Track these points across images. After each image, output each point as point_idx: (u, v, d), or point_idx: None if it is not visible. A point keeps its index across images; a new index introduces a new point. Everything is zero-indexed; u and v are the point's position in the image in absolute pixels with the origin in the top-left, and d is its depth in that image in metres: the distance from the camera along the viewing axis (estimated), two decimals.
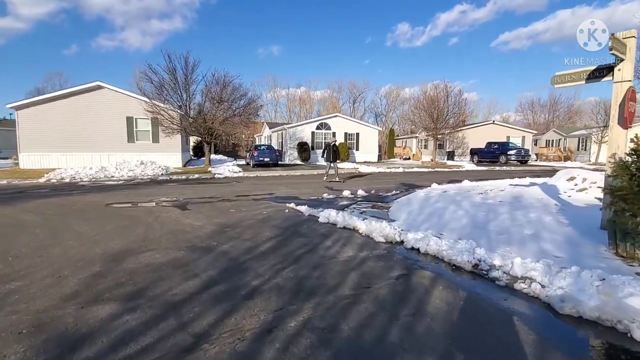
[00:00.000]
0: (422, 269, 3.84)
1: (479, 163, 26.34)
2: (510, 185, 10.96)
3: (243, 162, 26.03)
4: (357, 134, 28.04)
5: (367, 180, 14.09)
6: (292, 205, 7.83)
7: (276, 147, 29.85)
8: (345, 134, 27.67)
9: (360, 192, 9.96)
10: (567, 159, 33.80)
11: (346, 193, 9.78)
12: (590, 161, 29.84)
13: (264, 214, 6.99)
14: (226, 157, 32.56)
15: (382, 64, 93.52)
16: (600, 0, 72.36)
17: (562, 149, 36.50)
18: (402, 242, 4.88)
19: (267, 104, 65.09)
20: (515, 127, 35.94)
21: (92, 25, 75.24)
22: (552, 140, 40.73)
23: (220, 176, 15.70)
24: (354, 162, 26.51)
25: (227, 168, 18.33)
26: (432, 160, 25.52)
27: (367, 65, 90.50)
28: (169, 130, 17.70)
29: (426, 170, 19.83)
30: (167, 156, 19.58)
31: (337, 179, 13.16)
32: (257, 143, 29.07)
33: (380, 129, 31.38)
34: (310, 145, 26.16)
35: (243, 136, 48.55)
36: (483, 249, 4.09)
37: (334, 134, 27.31)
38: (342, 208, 7.57)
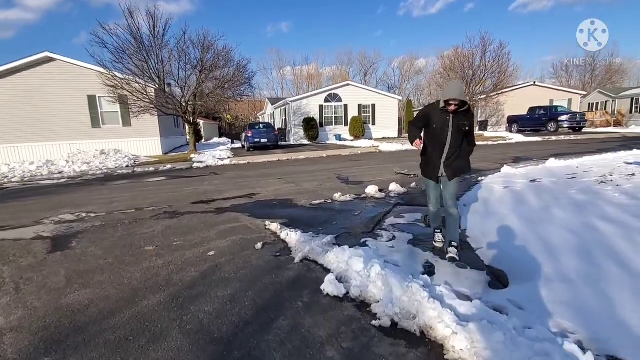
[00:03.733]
0: None
1: (520, 133, 21.84)
2: (627, 163, 6.89)
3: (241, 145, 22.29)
4: (373, 106, 23.78)
5: (396, 164, 10.18)
6: (274, 226, 4.14)
7: (279, 126, 25.99)
8: (359, 106, 23.46)
9: (394, 187, 6.14)
10: (617, 123, 28.69)
11: (371, 190, 5.98)
12: None
13: (208, 258, 3.31)
14: (229, 141, 28.95)
15: (396, 35, 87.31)
16: None
17: (610, 113, 31.25)
18: None
19: (272, 81, 60.79)
20: (561, 88, 30.73)
21: (97, 12, 70.92)
22: (597, 104, 35.27)
23: (201, 165, 12.07)
24: (370, 138, 22.45)
25: (213, 154, 14.69)
26: None
27: (380, 36, 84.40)
28: (136, 109, 13.99)
29: None
30: (142, 143, 16.03)
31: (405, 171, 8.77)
32: (253, 122, 25.24)
33: (400, 98, 26.88)
34: (318, 121, 22.17)
35: (251, 118, 44.77)
36: None
37: (345, 107, 23.15)
38: (374, 232, 3.82)
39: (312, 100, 22.61)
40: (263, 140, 16.62)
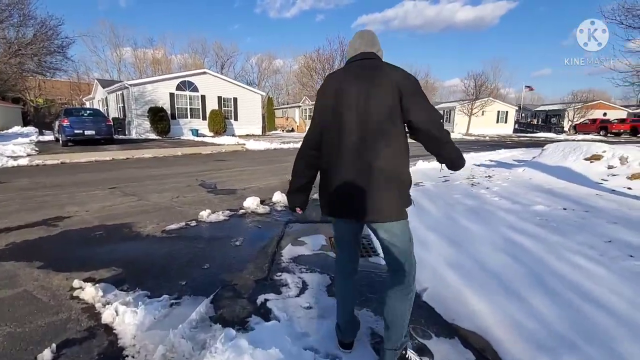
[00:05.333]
0: None
1: None
2: (475, 165, 7.81)
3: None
4: (235, 100, 21.88)
5: (271, 165, 8.98)
6: (91, 292, 2.25)
7: (115, 115, 20.88)
8: (219, 98, 21.13)
9: (279, 197, 4.91)
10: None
11: (251, 203, 4.57)
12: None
13: None
14: (36, 131, 21.26)
15: (252, 32, 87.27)
16: None
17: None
18: None
19: (104, 61, 49.75)
20: None
21: None
22: None
23: None
24: (233, 135, 20.58)
25: (2, 149, 10.00)
26: None
27: (236, 30, 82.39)
28: None
29: None
30: None
31: None
32: (72, 107, 19.33)
33: (263, 93, 25.78)
34: (169, 112, 18.71)
35: (75, 103, 34.86)
36: None
37: (203, 98, 20.42)
38: (272, 278, 2.44)
39: (160, 87, 18.94)
40: (88, 132, 12.51)
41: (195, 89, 20.16)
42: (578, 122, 32.65)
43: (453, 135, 13.63)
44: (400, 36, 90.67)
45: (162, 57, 53.32)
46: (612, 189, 4.80)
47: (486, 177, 6.40)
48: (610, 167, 5.42)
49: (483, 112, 30.63)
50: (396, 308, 1.51)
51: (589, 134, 29.86)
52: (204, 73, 20.83)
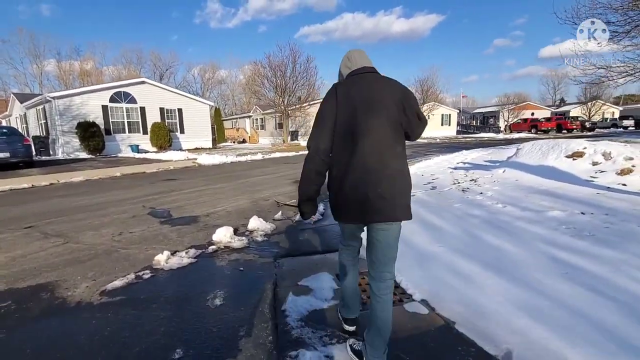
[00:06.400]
0: None
1: None
2: (451, 168, 7.53)
3: None
4: (180, 111, 20.09)
5: (234, 182, 7.90)
6: None
7: (36, 133, 18.02)
8: (162, 110, 19.23)
9: (256, 223, 3.98)
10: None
11: (223, 235, 3.58)
12: None
13: None
14: None
15: (193, 42, 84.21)
16: (371, 11, 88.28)
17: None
18: None
19: (23, 74, 43.99)
20: None
21: None
22: None
23: None
24: (180, 149, 18.82)
25: None
26: (284, 142, 21.05)
27: (176, 41, 78.96)
28: None
29: (292, 154, 15.05)
30: None
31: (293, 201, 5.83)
32: None
33: (212, 103, 24.05)
34: (103, 127, 16.48)
35: None
36: None
37: (142, 110, 18.40)
38: None
39: (90, 99, 16.68)
40: (1, 155, 10.32)
41: (133, 100, 18.11)
42: (512, 122, 35.55)
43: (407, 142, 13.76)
44: (342, 46, 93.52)
45: (92, 68, 48.77)
46: (607, 186, 4.62)
47: (471, 181, 6.06)
48: (595, 164, 5.33)
49: (429, 116, 31.97)
50: (384, 310, 1.55)
51: (522, 132, 32.56)
52: (143, 82, 18.85)
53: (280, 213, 4.52)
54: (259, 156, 13.69)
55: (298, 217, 4.38)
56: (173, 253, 3.17)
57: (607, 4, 6.80)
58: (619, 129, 31.23)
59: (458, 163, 8.31)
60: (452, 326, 1.97)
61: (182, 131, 20.34)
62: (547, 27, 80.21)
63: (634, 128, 31.18)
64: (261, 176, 8.52)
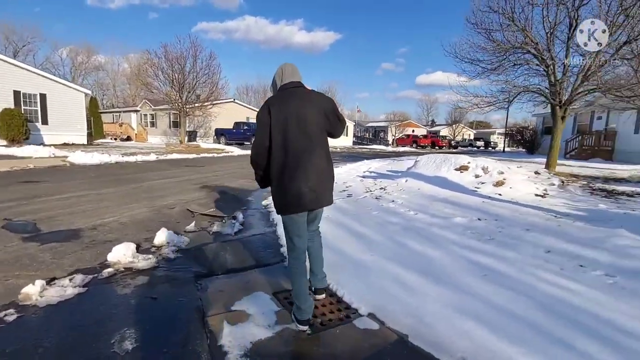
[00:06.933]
0: None
1: (228, 145, 22.81)
2: (360, 177, 7.97)
3: None
4: (43, 97, 16.23)
5: (126, 187, 6.62)
6: None
7: None
8: (17, 93, 15.21)
9: (164, 235, 3.35)
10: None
11: (122, 253, 2.88)
12: None
13: None
14: None
15: (63, 19, 70.77)
16: (273, 18, 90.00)
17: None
18: None
19: None
20: (255, 108, 35.50)
21: None
22: None
23: None
24: (42, 144, 15.18)
25: None
26: (181, 142, 19.10)
27: (39, 13, 64.90)
28: None
29: (192, 156, 13.63)
30: None
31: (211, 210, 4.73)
32: None
33: (88, 91, 20.06)
34: None
35: None
36: None
37: None
38: None
39: None
40: None
41: None
42: (398, 137, 40.38)
43: None
44: (244, 48, 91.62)
45: None
46: (489, 195, 5.50)
47: (381, 189, 6.47)
48: (477, 176, 6.30)
49: None
50: (318, 251, 2.28)
51: (405, 146, 37.28)
52: None
53: (193, 224, 3.93)
54: (152, 157, 12.02)
55: (215, 227, 3.88)
56: (50, 282, 2.38)
57: (482, 45, 8.34)
58: (474, 148, 38.77)
59: (365, 172, 8.85)
60: (406, 339, 1.93)
61: (44, 122, 16.50)
62: (423, 58, 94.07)
63: (484, 147, 39.18)
64: (160, 180, 7.43)
